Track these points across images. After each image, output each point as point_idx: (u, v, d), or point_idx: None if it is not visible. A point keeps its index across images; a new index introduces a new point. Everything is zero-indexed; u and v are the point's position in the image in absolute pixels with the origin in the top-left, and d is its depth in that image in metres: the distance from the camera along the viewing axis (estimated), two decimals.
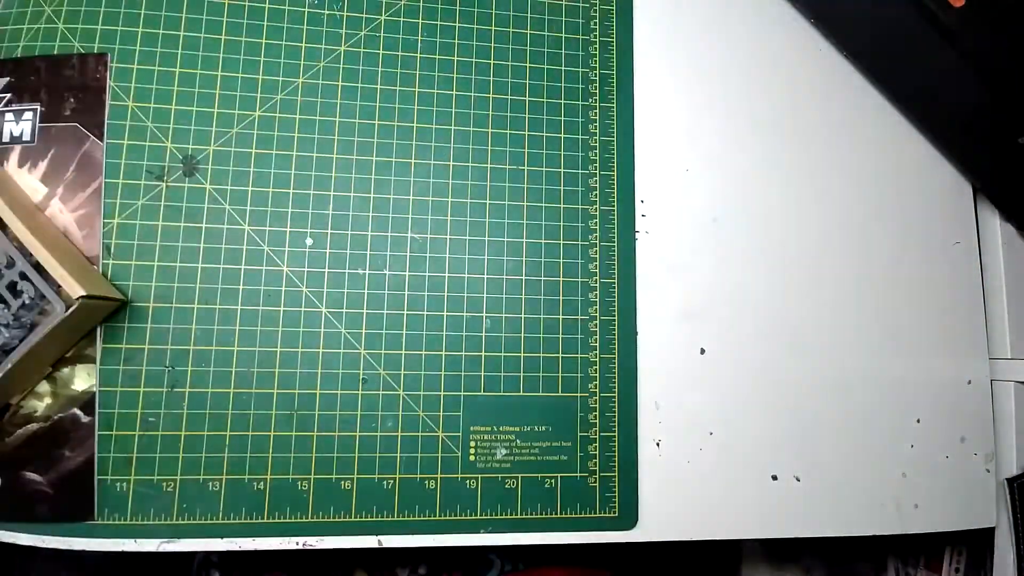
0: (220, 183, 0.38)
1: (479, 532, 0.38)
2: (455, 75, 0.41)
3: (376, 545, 0.37)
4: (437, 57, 0.41)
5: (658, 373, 0.41)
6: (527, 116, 0.41)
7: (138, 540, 0.35)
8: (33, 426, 0.35)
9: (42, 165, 0.37)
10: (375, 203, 0.39)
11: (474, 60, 0.41)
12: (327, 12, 0.40)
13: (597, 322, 0.40)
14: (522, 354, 0.39)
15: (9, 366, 0.32)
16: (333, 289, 0.38)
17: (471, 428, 0.38)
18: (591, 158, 0.42)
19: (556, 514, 0.39)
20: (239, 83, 0.39)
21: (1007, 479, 0.44)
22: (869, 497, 0.42)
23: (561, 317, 0.40)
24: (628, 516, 0.39)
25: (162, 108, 0.38)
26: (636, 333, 0.41)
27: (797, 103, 0.45)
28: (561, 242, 0.41)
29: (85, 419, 0.36)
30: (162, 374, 0.36)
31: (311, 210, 0.39)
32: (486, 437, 0.39)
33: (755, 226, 0.43)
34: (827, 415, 0.42)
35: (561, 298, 0.40)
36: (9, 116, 0.37)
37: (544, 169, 0.41)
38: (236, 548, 0.36)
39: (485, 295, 0.39)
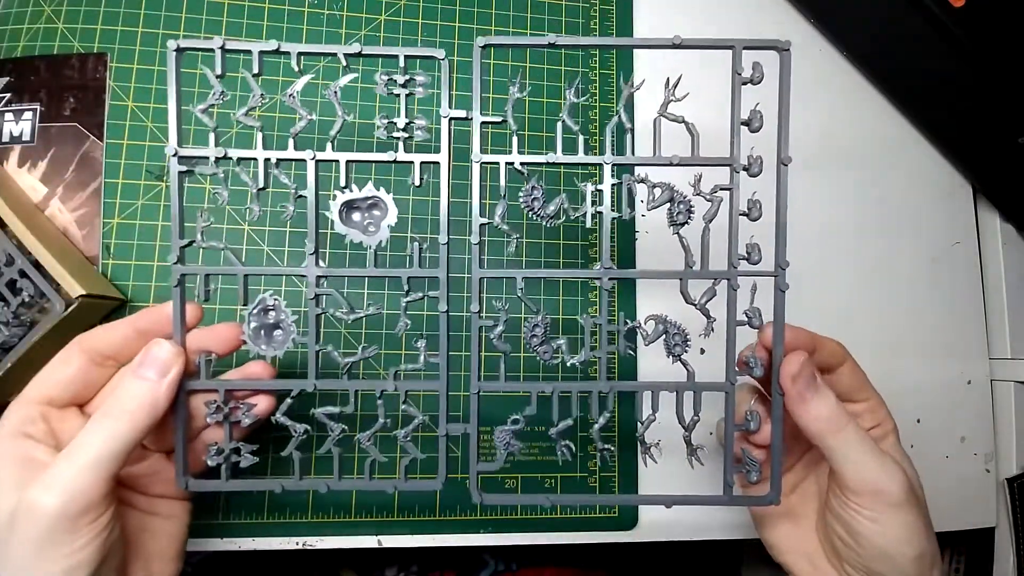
0: (219, 183, 0.38)
1: (479, 532, 0.38)
2: (455, 75, 0.41)
3: (376, 545, 0.37)
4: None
5: (658, 373, 0.40)
6: (527, 116, 0.41)
7: None
8: None
9: (42, 165, 0.37)
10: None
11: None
12: (327, 12, 0.40)
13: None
14: (522, 354, 0.39)
15: (9, 364, 0.32)
16: (333, 289, 0.38)
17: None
18: (590, 170, 0.41)
19: (556, 514, 0.39)
20: (239, 83, 0.39)
21: (1007, 479, 0.44)
22: None
23: (561, 317, 0.40)
24: (628, 516, 0.39)
25: (162, 108, 0.38)
26: (636, 333, 0.41)
27: (797, 103, 0.45)
28: (561, 242, 0.41)
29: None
30: None
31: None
32: (486, 437, 0.39)
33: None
34: None
35: (561, 298, 0.40)
36: (9, 116, 0.37)
37: (543, 169, 0.41)
38: (236, 548, 0.36)
39: (484, 295, 0.39)
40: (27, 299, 0.33)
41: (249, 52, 0.28)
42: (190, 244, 0.28)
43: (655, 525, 0.39)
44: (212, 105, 0.28)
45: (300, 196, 0.29)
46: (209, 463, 0.28)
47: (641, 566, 0.62)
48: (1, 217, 0.34)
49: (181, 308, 0.28)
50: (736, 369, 0.29)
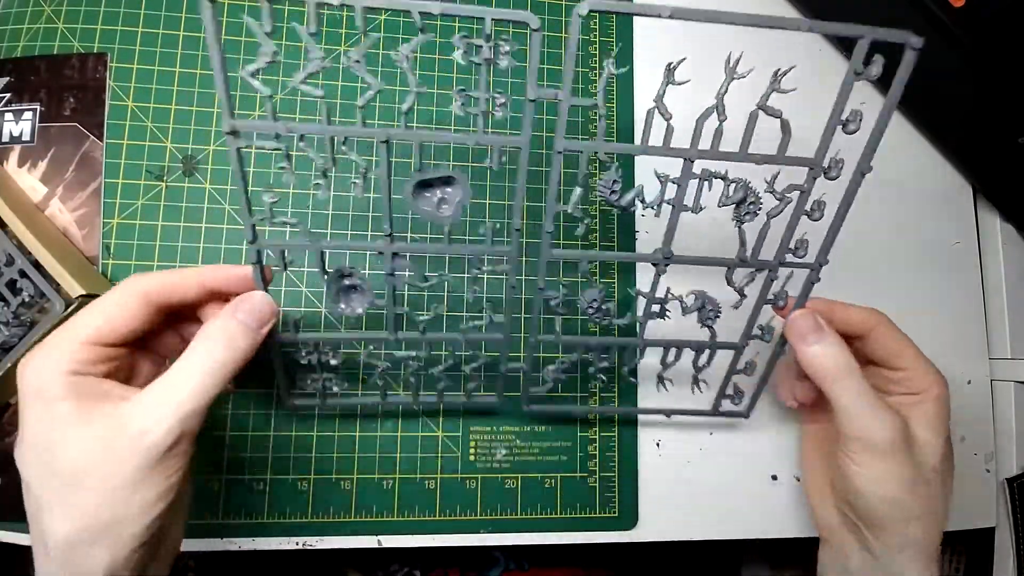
0: (220, 183, 0.38)
1: (479, 532, 0.38)
2: (455, 75, 0.41)
3: (376, 545, 0.37)
4: (437, 57, 0.41)
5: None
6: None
7: None
8: None
9: (42, 165, 0.37)
10: (375, 203, 0.39)
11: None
12: (327, 12, 0.40)
13: None
14: (522, 354, 0.39)
15: (9, 365, 0.32)
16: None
17: (471, 428, 0.38)
18: (591, 158, 0.41)
19: (556, 514, 0.39)
20: (239, 83, 0.39)
21: (1007, 479, 0.44)
22: None
23: (561, 317, 0.40)
24: (628, 516, 0.39)
25: (162, 108, 0.38)
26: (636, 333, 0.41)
27: (797, 104, 0.45)
28: (561, 242, 0.41)
29: None
30: None
31: (311, 210, 0.39)
32: (486, 437, 0.39)
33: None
34: None
35: (561, 299, 0.40)
36: (9, 116, 0.37)
37: (543, 169, 0.41)
38: (236, 548, 0.36)
39: (484, 295, 0.39)
40: (27, 299, 0.33)
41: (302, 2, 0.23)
42: (261, 220, 0.27)
43: (655, 525, 0.39)
44: (260, 69, 0.24)
45: (369, 175, 0.27)
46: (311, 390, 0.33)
47: (641, 566, 0.62)
48: (1, 217, 0.34)
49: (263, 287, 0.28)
50: (756, 332, 0.33)
